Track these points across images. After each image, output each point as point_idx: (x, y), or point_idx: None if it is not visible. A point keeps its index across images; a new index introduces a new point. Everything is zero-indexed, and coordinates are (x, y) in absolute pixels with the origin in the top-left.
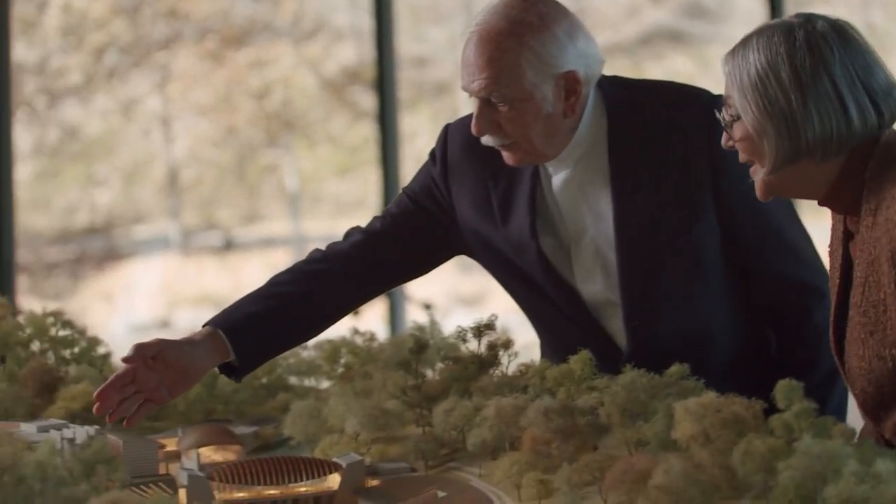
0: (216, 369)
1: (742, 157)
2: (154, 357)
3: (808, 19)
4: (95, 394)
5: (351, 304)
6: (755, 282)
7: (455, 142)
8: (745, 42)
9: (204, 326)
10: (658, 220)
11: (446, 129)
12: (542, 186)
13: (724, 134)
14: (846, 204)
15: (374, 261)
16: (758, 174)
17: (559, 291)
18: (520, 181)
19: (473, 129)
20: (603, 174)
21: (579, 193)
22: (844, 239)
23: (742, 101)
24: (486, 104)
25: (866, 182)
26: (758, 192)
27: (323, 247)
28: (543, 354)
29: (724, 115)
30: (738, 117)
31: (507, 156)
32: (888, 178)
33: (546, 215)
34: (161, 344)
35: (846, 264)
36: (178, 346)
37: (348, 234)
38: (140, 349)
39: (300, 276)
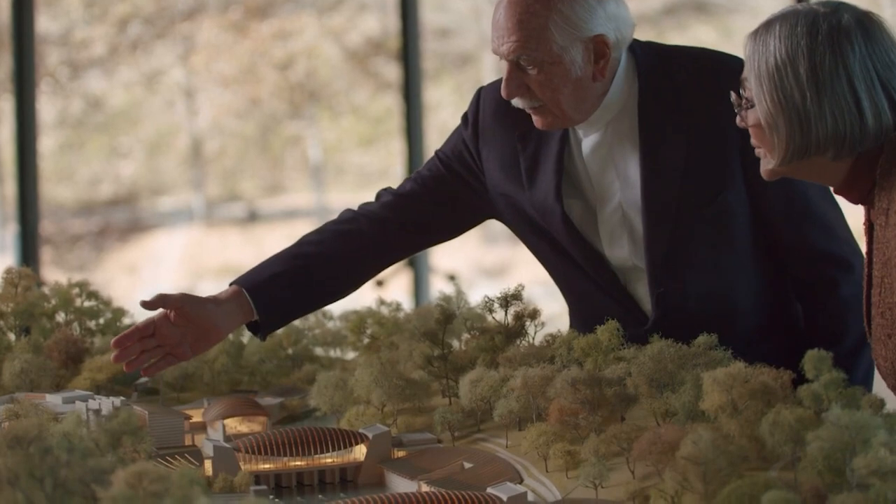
0: (241, 334)
1: (753, 142)
2: (177, 311)
3: (835, 10)
4: (113, 341)
5: (378, 265)
6: (783, 252)
7: (487, 105)
8: (767, 25)
9: (230, 285)
10: (686, 187)
11: (479, 93)
12: (570, 150)
13: (738, 115)
14: (860, 197)
15: (403, 222)
16: (766, 162)
17: (585, 256)
18: (548, 144)
19: (503, 92)
20: (633, 139)
21: (608, 157)
22: (868, 230)
23: (758, 89)
24: (515, 67)
25: (877, 180)
26: (763, 176)
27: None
28: (571, 322)
29: (740, 96)
30: (753, 105)
31: (536, 119)
32: None
33: (574, 179)
34: (184, 298)
35: (870, 259)
36: (202, 303)
37: (379, 195)
38: (162, 298)
39: (329, 236)
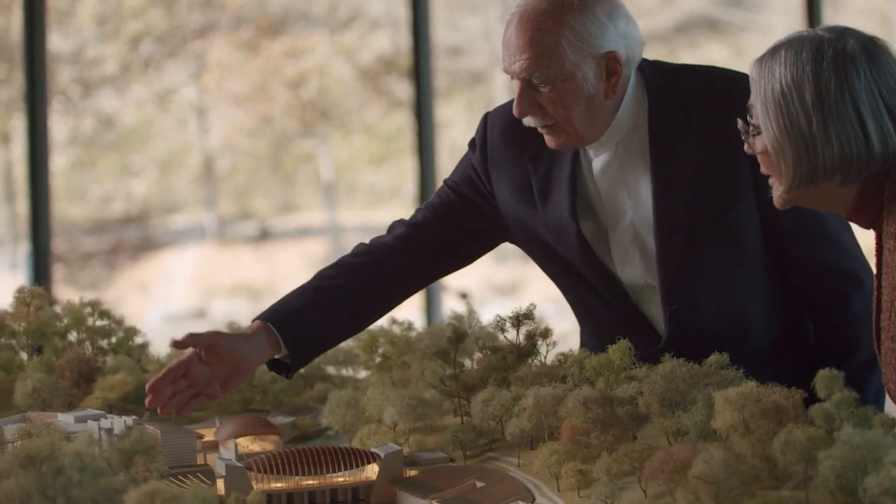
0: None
1: (762, 170)
2: (207, 350)
3: (840, 36)
4: (148, 386)
5: (398, 296)
6: (793, 268)
7: (495, 129)
8: (773, 52)
9: (253, 321)
10: (697, 204)
11: (486, 117)
12: (582, 170)
13: (745, 142)
14: (870, 222)
15: (418, 252)
16: (775, 190)
17: (598, 275)
18: (560, 164)
19: (515, 111)
20: (643, 157)
21: (619, 177)
22: (878, 253)
23: (764, 116)
24: (527, 85)
25: (885, 204)
26: (775, 203)
27: (362, 238)
28: (583, 342)
29: (748, 123)
30: (760, 131)
31: (548, 139)
32: None
33: (586, 199)
34: (215, 337)
35: (879, 282)
36: (231, 340)
37: (392, 228)
38: (193, 338)
39: (346, 270)
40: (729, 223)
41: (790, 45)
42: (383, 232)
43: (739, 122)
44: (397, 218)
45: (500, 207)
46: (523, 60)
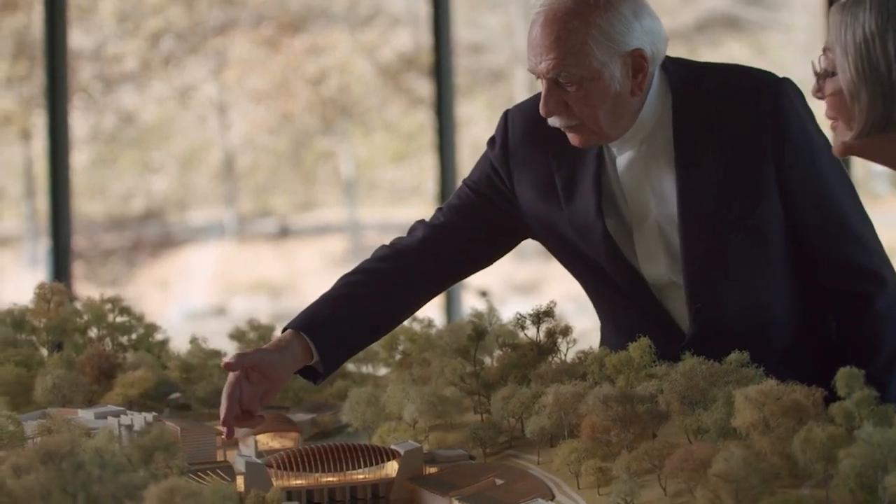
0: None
1: (828, 113)
2: (253, 368)
3: None
4: (222, 422)
5: (423, 300)
6: (817, 266)
7: (516, 126)
8: None
9: (285, 330)
10: (722, 201)
11: (506, 114)
12: (606, 167)
13: (815, 84)
14: None
15: (441, 254)
16: (841, 135)
17: (622, 273)
18: (584, 162)
19: (542, 111)
20: (667, 155)
21: (643, 174)
22: None
23: (842, 58)
24: (554, 85)
25: None
26: (835, 151)
27: (382, 236)
28: (604, 340)
29: (819, 65)
30: (834, 73)
31: (572, 137)
32: None
33: (610, 196)
34: (259, 354)
35: None
36: (272, 356)
37: (413, 230)
38: (241, 359)
39: (371, 276)
40: (753, 221)
41: None
42: (403, 230)
43: (812, 63)
44: (417, 215)
45: (521, 205)
46: (550, 60)
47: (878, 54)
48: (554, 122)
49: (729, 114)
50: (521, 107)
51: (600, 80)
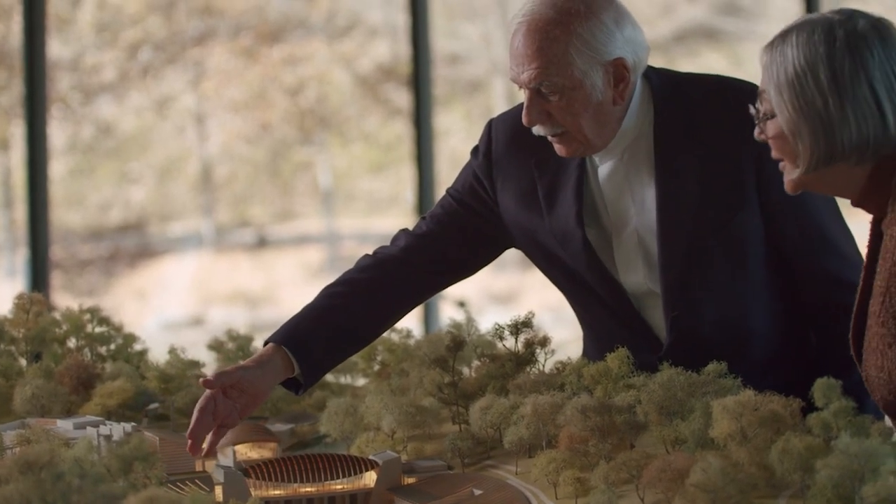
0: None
1: (774, 154)
2: (233, 385)
3: (850, 17)
4: (188, 434)
5: (405, 309)
6: (797, 278)
7: (500, 135)
8: (783, 36)
9: (267, 343)
10: (701, 211)
11: (490, 124)
12: (588, 176)
13: (757, 128)
14: (879, 207)
15: (423, 265)
16: (789, 173)
17: (601, 281)
18: (566, 171)
19: (524, 120)
20: (648, 164)
21: (625, 183)
22: (872, 241)
23: (778, 98)
24: (536, 94)
25: (893, 190)
26: (787, 188)
27: (360, 246)
28: (585, 349)
29: (758, 109)
30: (773, 115)
31: (558, 147)
32: None
33: (591, 205)
34: (239, 372)
35: (870, 270)
36: (252, 372)
37: (396, 239)
38: (220, 377)
39: (353, 287)
40: (732, 232)
41: (801, 28)
42: (381, 240)
43: (751, 108)
44: (395, 226)
45: (504, 215)
46: (532, 70)
47: (812, 89)
48: (538, 130)
49: (710, 124)
50: (504, 116)
51: (582, 89)
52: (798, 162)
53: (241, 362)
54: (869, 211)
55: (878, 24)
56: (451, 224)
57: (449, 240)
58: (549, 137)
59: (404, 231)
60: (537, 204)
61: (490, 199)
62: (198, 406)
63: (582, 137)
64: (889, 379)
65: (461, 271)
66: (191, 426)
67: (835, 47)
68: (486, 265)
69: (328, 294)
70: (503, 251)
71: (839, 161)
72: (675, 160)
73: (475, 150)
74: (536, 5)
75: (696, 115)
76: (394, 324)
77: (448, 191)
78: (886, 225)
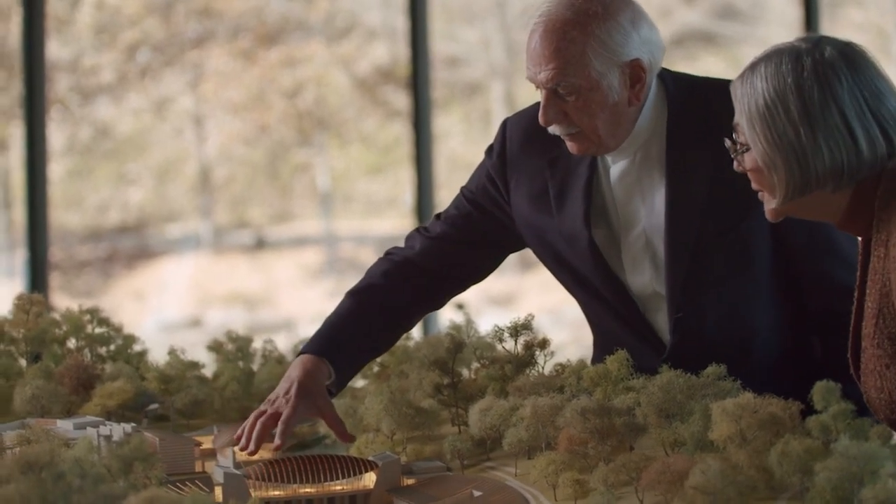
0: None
1: (753, 186)
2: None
3: (817, 45)
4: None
5: (426, 312)
6: (802, 284)
7: (514, 135)
8: (752, 68)
9: (307, 353)
10: (709, 214)
11: (505, 123)
12: (599, 176)
13: (734, 160)
14: (863, 229)
15: (443, 267)
16: (768, 203)
17: (607, 283)
18: (577, 171)
19: (541, 120)
20: (660, 165)
21: (635, 184)
22: (863, 262)
23: (751, 132)
24: (552, 94)
25: (875, 212)
26: (768, 217)
27: (357, 249)
28: (595, 356)
29: (734, 141)
30: (748, 148)
31: (571, 146)
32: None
33: (601, 206)
34: (311, 404)
35: (862, 291)
36: (319, 398)
37: (411, 239)
38: (290, 424)
39: (378, 295)
40: (739, 236)
41: (769, 59)
42: (379, 243)
43: (727, 142)
44: (393, 228)
45: (515, 214)
46: (549, 70)
47: (783, 120)
48: (553, 130)
49: (723, 128)
50: (519, 116)
51: (598, 89)
52: (775, 193)
53: (293, 380)
54: (854, 233)
55: (845, 50)
56: (465, 226)
57: (466, 242)
58: (563, 136)
59: (419, 231)
60: (548, 204)
61: (503, 199)
62: (283, 419)
63: (596, 137)
64: (890, 399)
65: (479, 273)
66: (278, 439)
67: (803, 77)
68: (498, 265)
69: (356, 302)
70: (515, 251)
71: (815, 189)
72: (686, 162)
73: (489, 150)
74: (554, 6)
75: (710, 118)
76: (410, 329)
77: (462, 190)
78: (874, 246)
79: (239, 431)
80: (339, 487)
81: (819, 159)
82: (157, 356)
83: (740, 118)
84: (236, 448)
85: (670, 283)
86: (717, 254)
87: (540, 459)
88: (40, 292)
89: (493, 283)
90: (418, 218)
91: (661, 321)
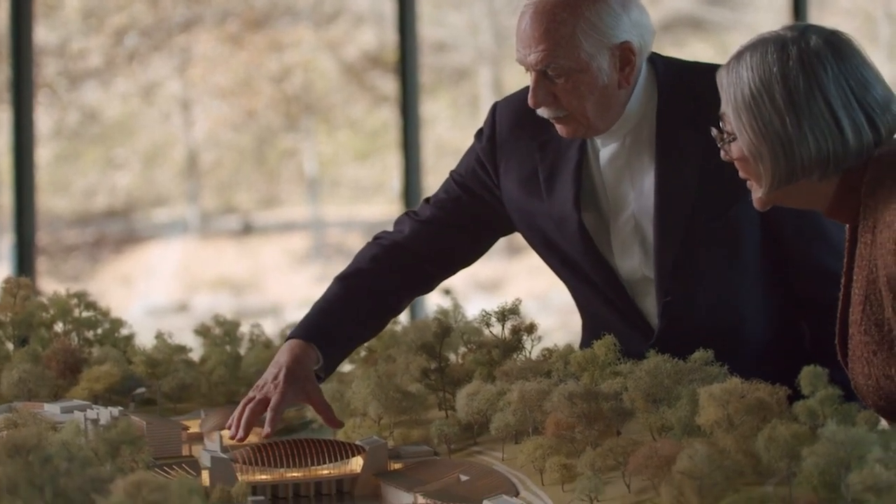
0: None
1: (741, 175)
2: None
3: (802, 33)
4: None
5: (412, 296)
6: (793, 272)
7: (504, 118)
8: (738, 57)
9: (295, 338)
10: (699, 198)
11: (495, 107)
12: (588, 159)
13: (721, 150)
14: (850, 216)
15: (432, 250)
16: (755, 192)
17: (596, 267)
18: (567, 154)
19: (530, 102)
20: (649, 149)
21: (625, 168)
22: (850, 248)
23: (737, 121)
24: (542, 77)
25: (862, 199)
26: (756, 206)
27: (344, 234)
28: (583, 341)
29: (721, 130)
30: (734, 137)
31: (560, 128)
32: (882, 195)
33: (590, 189)
34: (299, 390)
35: (849, 278)
36: (308, 383)
37: (400, 223)
38: (279, 411)
39: (367, 279)
40: (728, 221)
41: (754, 49)
42: (367, 228)
43: (713, 131)
44: (381, 213)
45: (505, 198)
46: (539, 52)
47: (769, 109)
48: (543, 112)
49: (713, 113)
50: (509, 99)
51: (588, 72)
52: (762, 182)
53: (281, 366)
54: (842, 221)
55: (831, 38)
56: (454, 210)
57: (456, 226)
58: (552, 119)
59: (408, 216)
60: (538, 187)
61: (493, 183)
62: (273, 404)
63: (585, 120)
64: (878, 385)
65: (465, 259)
66: (267, 425)
67: (788, 65)
68: (488, 249)
69: (345, 287)
70: (504, 235)
71: (801, 178)
72: (676, 146)
73: (479, 133)
74: None
75: (700, 102)
76: (399, 314)
77: (451, 174)
78: (861, 232)
79: (229, 421)
80: (326, 472)
81: (805, 148)
82: (145, 340)
83: (726, 108)
84: (223, 432)
85: (659, 267)
86: (707, 238)
87: (527, 444)
88: (27, 276)
89: (481, 269)
90: (406, 203)
91: (650, 305)
